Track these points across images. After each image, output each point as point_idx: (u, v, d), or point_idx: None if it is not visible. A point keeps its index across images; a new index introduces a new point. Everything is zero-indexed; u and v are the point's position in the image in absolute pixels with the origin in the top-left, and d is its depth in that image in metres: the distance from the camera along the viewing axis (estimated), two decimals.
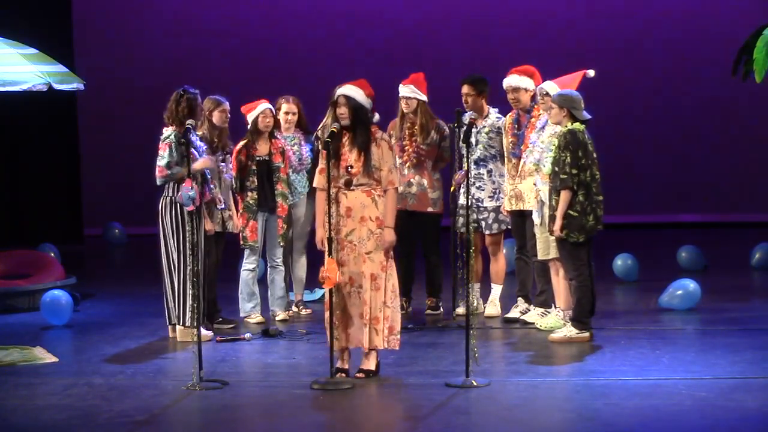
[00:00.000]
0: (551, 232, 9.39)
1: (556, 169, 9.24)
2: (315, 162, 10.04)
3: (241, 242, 10.37)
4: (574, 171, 9.17)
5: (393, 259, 8.34)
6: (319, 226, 8.35)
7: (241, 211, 10.35)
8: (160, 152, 9.49)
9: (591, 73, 9.82)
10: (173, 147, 9.41)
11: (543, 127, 9.82)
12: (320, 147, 8.53)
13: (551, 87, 9.66)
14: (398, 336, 8.38)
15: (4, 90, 10.41)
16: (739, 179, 17.37)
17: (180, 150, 9.25)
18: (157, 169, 9.49)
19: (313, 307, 11.02)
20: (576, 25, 17.26)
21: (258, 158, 10.37)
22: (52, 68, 10.77)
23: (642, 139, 17.38)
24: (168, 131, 9.55)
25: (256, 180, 10.35)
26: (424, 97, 10.52)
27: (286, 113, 10.71)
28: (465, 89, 10.41)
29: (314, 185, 8.44)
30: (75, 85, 10.93)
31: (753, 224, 16.67)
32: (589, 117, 9.31)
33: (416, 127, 10.55)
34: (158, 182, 9.54)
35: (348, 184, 8.24)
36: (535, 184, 9.72)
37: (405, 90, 10.53)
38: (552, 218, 9.33)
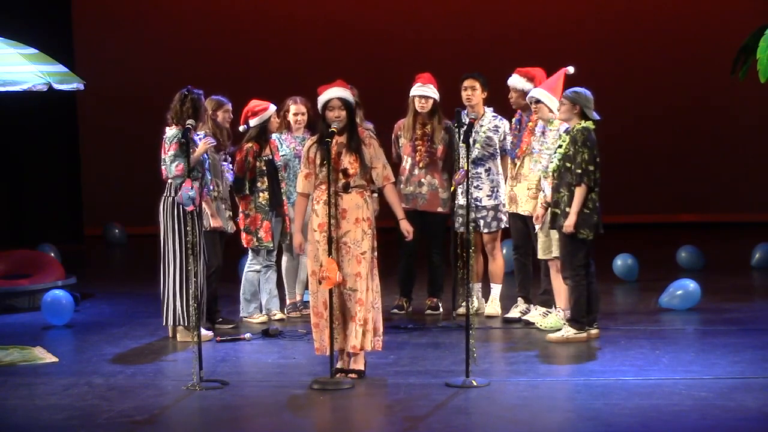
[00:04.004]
0: (556, 228, 9.35)
1: (568, 164, 9.19)
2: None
3: (255, 244, 10.36)
4: (591, 168, 9.16)
5: (375, 259, 8.35)
6: (296, 232, 8.38)
7: (248, 212, 10.35)
8: (171, 152, 9.44)
9: (570, 69, 9.80)
10: (183, 147, 9.40)
11: (543, 133, 9.82)
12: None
13: (540, 93, 9.66)
14: (381, 337, 8.38)
15: (4, 90, 10.41)
16: (739, 179, 17.37)
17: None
18: (175, 169, 9.43)
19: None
20: (574, 26, 17.25)
21: (265, 158, 10.38)
22: (52, 68, 10.77)
23: (642, 139, 17.36)
24: (173, 131, 9.52)
25: (266, 180, 10.37)
26: (438, 96, 10.50)
27: (296, 114, 10.72)
28: (470, 82, 10.35)
29: (298, 190, 8.42)
30: (75, 85, 10.93)
31: (753, 224, 16.67)
32: (599, 118, 9.30)
33: (428, 127, 10.53)
34: (176, 181, 9.44)
35: (346, 187, 8.24)
36: (542, 191, 9.68)
37: (423, 89, 10.44)
38: (555, 215, 9.32)
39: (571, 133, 9.25)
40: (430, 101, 10.48)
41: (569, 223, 9.19)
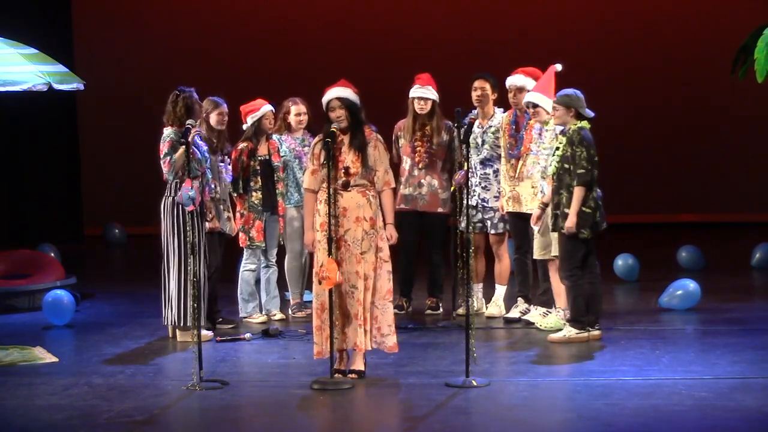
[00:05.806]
0: (557, 230, 9.34)
1: (566, 166, 9.20)
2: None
3: (248, 243, 10.38)
4: (590, 167, 9.16)
5: (384, 260, 8.32)
6: (308, 229, 8.37)
7: (243, 211, 10.37)
8: (165, 150, 9.50)
9: (558, 67, 9.81)
10: (175, 144, 9.43)
11: (540, 134, 9.83)
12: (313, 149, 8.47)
13: (537, 97, 9.66)
14: (390, 337, 8.34)
15: (4, 90, 10.41)
16: (739, 179, 17.36)
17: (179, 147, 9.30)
18: (163, 166, 9.48)
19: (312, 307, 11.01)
20: (574, 26, 17.25)
21: (260, 158, 10.39)
22: (52, 68, 10.77)
23: (642, 139, 17.36)
24: (168, 130, 9.57)
25: (260, 180, 10.37)
26: (437, 97, 10.50)
27: (297, 114, 10.73)
28: (480, 83, 10.35)
29: (304, 186, 8.44)
30: (75, 85, 10.94)
31: (753, 224, 16.67)
32: (593, 114, 9.31)
33: (427, 128, 10.53)
34: (168, 177, 9.50)
35: (345, 185, 8.25)
36: (541, 191, 9.69)
37: (422, 91, 10.45)
38: (556, 217, 9.31)
39: (567, 135, 9.26)
40: (429, 102, 10.48)
41: (569, 224, 9.18)
